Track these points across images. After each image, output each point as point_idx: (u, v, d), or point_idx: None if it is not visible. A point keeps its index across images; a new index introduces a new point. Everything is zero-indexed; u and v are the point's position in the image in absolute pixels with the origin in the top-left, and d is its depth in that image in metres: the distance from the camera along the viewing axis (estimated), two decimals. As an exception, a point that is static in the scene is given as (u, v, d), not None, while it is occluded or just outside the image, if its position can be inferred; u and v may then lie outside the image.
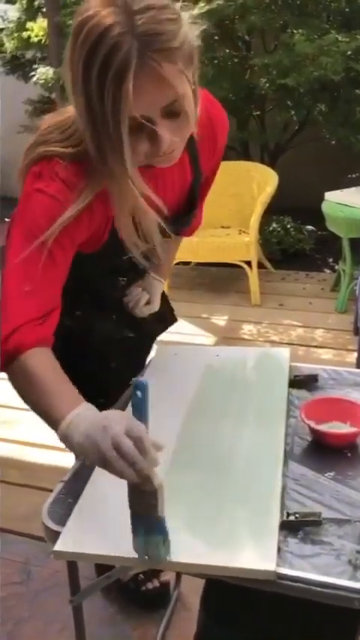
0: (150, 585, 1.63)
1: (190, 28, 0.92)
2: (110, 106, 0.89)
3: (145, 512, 0.84)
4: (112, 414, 0.88)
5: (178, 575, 1.66)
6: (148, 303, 1.40)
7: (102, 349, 1.29)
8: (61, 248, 1.03)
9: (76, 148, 1.02)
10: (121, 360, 1.40)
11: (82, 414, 0.90)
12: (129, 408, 0.88)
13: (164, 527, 0.85)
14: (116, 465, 0.82)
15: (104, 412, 0.90)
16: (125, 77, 0.86)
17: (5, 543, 1.90)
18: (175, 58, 0.89)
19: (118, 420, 0.85)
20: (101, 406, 1.50)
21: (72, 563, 1.02)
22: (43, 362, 0.97)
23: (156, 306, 1.42)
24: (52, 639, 1.58)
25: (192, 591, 1.65)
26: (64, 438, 0.90)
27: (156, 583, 1.63)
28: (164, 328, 1.57)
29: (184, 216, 1.27)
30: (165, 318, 1.56)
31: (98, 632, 1.57)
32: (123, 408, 1.20)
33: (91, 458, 0.86)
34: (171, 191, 1.18)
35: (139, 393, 0.85)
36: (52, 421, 0.92)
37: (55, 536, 0.94)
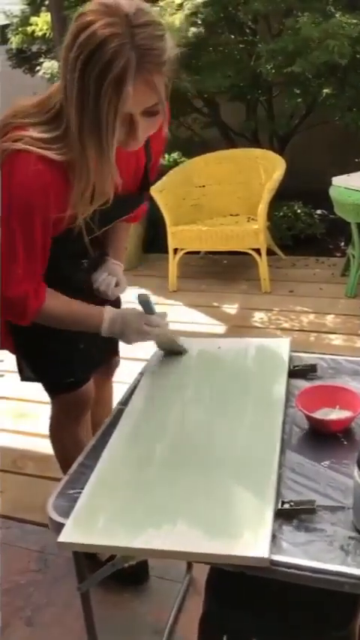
0: (125, 564, 1.66)
1: (171, 42, 1.08)
2: (107, 102, 1.03)
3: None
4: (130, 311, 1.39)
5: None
6: (116, 285, 1.50)
7: (70, 330, 1.37)
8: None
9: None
10: (88, 341, 1.48)
11: (110, 310, 1.37)
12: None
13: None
14: (152, 333, 1.36)
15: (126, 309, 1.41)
16: (125, 81, 1.03)
17: (23, 533, 1.97)
18: (163, 70, 1.09)
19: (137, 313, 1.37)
20: (71, 386, 1.55)
21: (78, 553, 1.07)
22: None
23: (124, 286, 1.53)
24: (69, 624, 1.64)
25: (204, 576, 1.69)
26: (108, 332, 1.36)
27: (132, 562, 1.65)
28: None
29: (136, 195, 1.39)
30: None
31: (112, 617, 1.62)
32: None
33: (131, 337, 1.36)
34: (126, 172, 1.29)
35: (146, 302, 1.36)
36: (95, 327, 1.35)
37: (59, 527, 0.99)
